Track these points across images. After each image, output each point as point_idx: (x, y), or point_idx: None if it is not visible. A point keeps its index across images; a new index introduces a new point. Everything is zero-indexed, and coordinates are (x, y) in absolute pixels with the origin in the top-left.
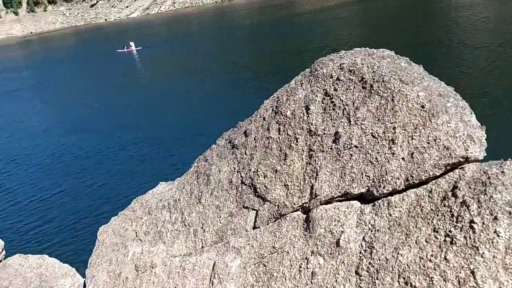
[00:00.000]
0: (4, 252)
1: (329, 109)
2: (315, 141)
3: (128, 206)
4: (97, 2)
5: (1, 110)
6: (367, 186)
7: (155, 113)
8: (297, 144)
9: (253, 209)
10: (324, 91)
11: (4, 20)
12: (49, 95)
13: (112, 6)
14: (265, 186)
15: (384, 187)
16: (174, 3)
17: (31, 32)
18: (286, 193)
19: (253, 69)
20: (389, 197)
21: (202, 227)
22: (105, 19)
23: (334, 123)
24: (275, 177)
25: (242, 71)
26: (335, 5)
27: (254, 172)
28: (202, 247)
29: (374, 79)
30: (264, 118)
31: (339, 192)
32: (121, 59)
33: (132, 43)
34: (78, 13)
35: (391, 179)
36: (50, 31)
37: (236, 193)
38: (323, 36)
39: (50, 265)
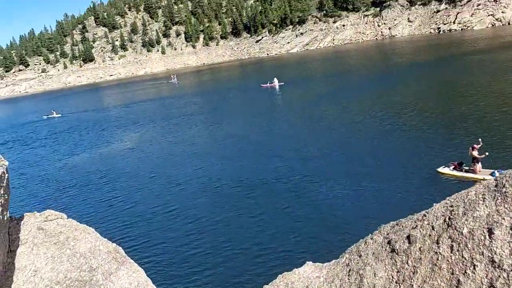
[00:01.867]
0: None
1: None
2: (499, 276)
3: (273, 281)
4: (262, 38)
5: (177, 132)
6: None
7: (293, 147)
8: (474, 273)
9: None
10: None
11: (183, 52)
12: (204, 119)
13: (275, 42)
14: None
15: None
16: (334, 40)
17: (204, 63)
18: None
19: (413, 114)
20: None
21: None
22: (267, 53)
23: None
24: None
25: (397, 115)
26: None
27: None
28: None
29: None
30: (433, 227)
31: None
32: (262, 92)
33: (275, 79)
34: (244, 48)
35: None
36: (219, 62)
37: None
38: (497, 81)
39: None
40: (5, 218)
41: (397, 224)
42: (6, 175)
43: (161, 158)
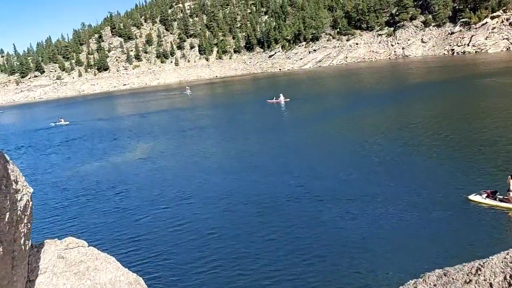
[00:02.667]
0: None
1: None
2: None
3: None
4: (275, 53)
5: (188, 144)
6: None
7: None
8: None
9: None
10: None
11: (197, 64)
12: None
13: (288, 57)
14: None
15: None
16: (347, 57)
17: (216, 76)
18: None
19: (431, 135)
20: None
21: None
22: (280, 69)
23: None
24: None
25: (416, 136)
26: None
27: None
28: None
29: None
30: (491, 285)
31: None
32: (268, 108)
33: (281, 95)
34: (257, 62)
35: None
36: (232, 76)
37: None
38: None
39: None
40: (27, 248)
41: (444, 275)
42: (30, 203)
43: (173, 172)
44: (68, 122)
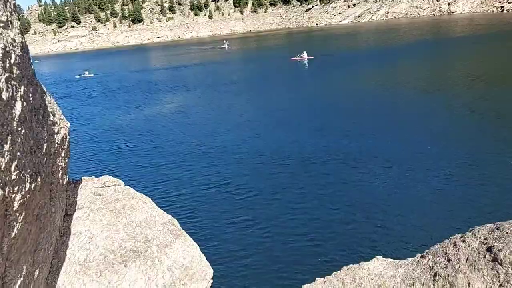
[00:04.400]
0: (212, 281)
1: None
2: None
3: (336, 273)
4: (312, 7)
5: (223, 99)
6: None
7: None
8: None
9: None
10: None
11: (231, 18)
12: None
13: (326, 11)
14: None
15: None
16: (388, 13)
17: (250, 30)
18: None
19: (482, 95)
20: None
21: None
22: (317, 24)
23: None
24: None
25: (463, 97)
26: None
27: None
28: None
29: None
30: None
31: None
32: (290, 65)
33: (305, 52)
34: (293, 16)
35: None
36: (266, 30)
37: None
38: None
39: None
40: (65, 182)
41: (497, 229)
42: (68, 137)
43: (206, 126)
44: (92, 75)
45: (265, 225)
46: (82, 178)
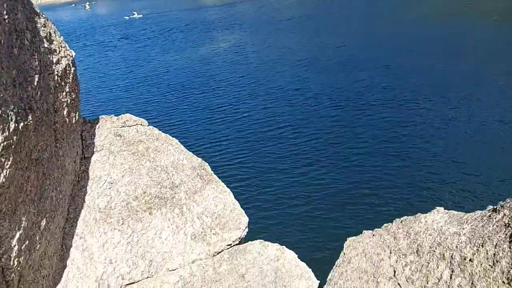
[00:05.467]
0: (247, 230)
1: None
2: None
3: (388, 225)
4: None
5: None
6: None
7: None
8: None
9: None
10: None
11: None
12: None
13: None
14: None
15: None
16: None
17: None
18: None
19: None
20: None
21: None
22: None
23: None
24: None
25: None
26: None
27: None
28: None
29: None
30: None
31: None
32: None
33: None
34: None
35: None
36: None
37: None
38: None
39: (288, 261)
40: (74, 120)
41: None
42: (73, 69)
43: (260, 66)
44: (141, 15)
45: (309, 171)
46: (100, 117)
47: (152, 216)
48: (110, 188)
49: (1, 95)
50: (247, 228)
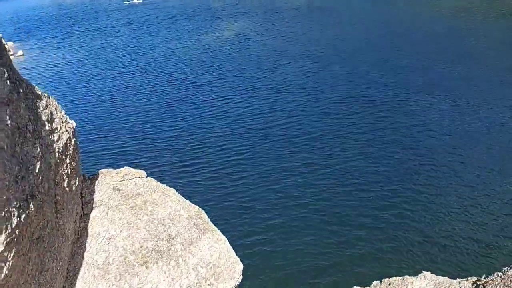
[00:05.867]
0: (241, 278)
1: None
2: None
3: (376, 284)
4: None
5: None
6: None
7: None
8: None
9: None
10: None
11: None
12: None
13: None
14: None
15: None
16: None
17: None
18: None
19: None
20: None
21: None
22: None
23: None
24: None
25: None
26: None
27: None
28: None
29: None
30: None
31: None
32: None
33: None
34: None
35: None
36: None
37: None
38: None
39: None
40: (74, 187)
41: None
42: (73, 140)
43: (264, 59)
44: (141, 1)
45: (304, 215)
46: (99, 172)
47: (148, 270)
48: (108, 243)
49: (4, 196)
50: (241, 276)
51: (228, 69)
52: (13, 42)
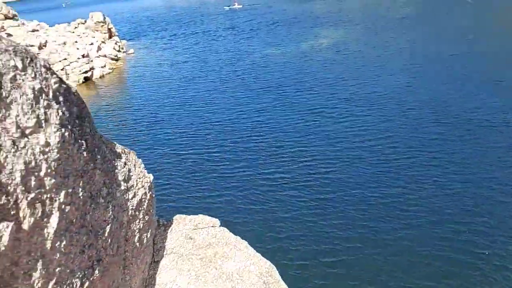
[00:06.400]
0: None
1: None
2: None
3: None
4: None
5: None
6: None
7: None
8: None
9: None
10: None
11: None
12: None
13: None
14: None
15: None
16: None
17: None
18: None
19: None
20: None
21: None
22: None
23: None
24: None
25: None
26: None
27: None
28: None
29: None
30: None
31: None
32: None
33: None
34: None
35: None
36: None
37: None
38: None
39: None
40: (145, 240)
41: None
42: (149, 194)
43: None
44: (241, 6)
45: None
46: (174, 218)
47: None
48: None
49: (68, 270)
50: None
51: (323, 77)
52: (126, 40)
